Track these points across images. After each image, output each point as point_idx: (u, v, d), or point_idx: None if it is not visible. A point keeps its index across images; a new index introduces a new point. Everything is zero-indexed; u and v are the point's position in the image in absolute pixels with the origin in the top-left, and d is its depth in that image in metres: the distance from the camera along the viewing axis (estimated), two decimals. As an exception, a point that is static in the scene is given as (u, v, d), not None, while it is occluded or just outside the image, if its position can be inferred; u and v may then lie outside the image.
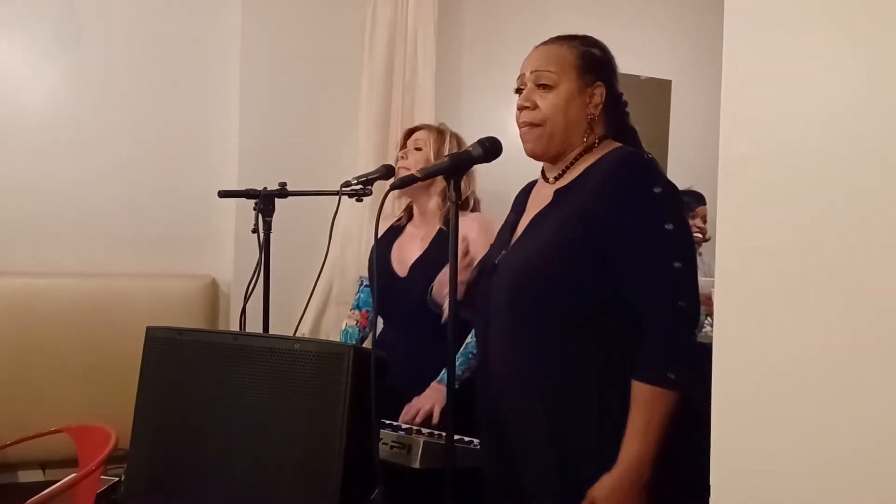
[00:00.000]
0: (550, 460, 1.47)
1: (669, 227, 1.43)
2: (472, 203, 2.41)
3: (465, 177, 2.34)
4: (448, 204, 1.67)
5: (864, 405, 0.80)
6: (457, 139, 2.41)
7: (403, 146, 2.44)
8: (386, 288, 2.28)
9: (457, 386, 1.53)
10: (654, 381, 1.39)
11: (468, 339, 1.98)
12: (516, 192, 1.76)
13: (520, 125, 1.59)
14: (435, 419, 1.96)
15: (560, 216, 1.52)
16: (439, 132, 2.43)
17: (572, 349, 1.47)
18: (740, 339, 0.90)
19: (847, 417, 0.82)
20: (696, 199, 3.36)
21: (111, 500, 1.87)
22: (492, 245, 1.72)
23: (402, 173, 2.24)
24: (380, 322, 2.40)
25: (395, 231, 2.46)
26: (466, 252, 1.68)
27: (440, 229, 2.32)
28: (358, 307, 2.51)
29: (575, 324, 1.46)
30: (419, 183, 2.29)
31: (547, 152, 1.58)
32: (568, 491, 1.44)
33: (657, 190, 1.45)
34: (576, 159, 1.57)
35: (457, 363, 1.94)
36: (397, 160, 2.42)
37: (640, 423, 1.39)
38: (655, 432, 1.39)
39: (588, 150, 1.57)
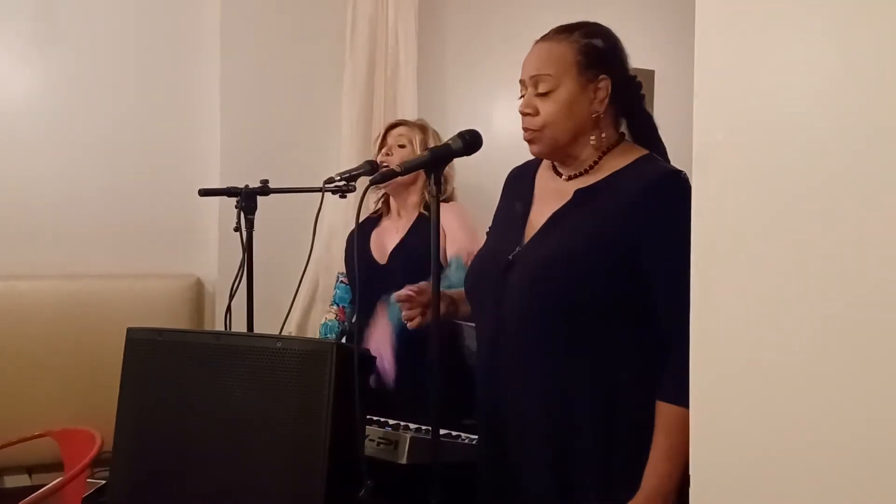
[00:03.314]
0: (549, 468, 1.43)
1: None
2: (448, 192, 2.42)
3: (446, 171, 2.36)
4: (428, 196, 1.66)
5: (844, 390, 0.80)
6: (437, 136, 2.43)
7: (384, 142, 2.43)
8: (366, 276, 2.28)
9: None
10: (685, 403, 1.34)
11: None
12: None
13: (523, 130, 1.53)
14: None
15: (586, 221, 1.46)
16: (422, 128, 2.43)
17: (586, 355, 1.42)
18: (717, 324, 0.90)
19: (827, 403, 0.81)
20: None
21: (98, 504, 1.86)
22: (489, 233, 1.67)
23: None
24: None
25: (373, 222, 2.48)
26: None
27: (419, 216, 2.35)
28: (336, 303, 2.52)
29: (593, 332, 1.42)
30: (400, 181, 2.31)
31: (553, 156, 1.54)
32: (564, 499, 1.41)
33: None
34: (596, 161, 1.51)
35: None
36: (377, 155, 2.42)
37: (666, 446, 1.34)
38: (682, 455, 1.29)
39: (608, 150, 1.51)
